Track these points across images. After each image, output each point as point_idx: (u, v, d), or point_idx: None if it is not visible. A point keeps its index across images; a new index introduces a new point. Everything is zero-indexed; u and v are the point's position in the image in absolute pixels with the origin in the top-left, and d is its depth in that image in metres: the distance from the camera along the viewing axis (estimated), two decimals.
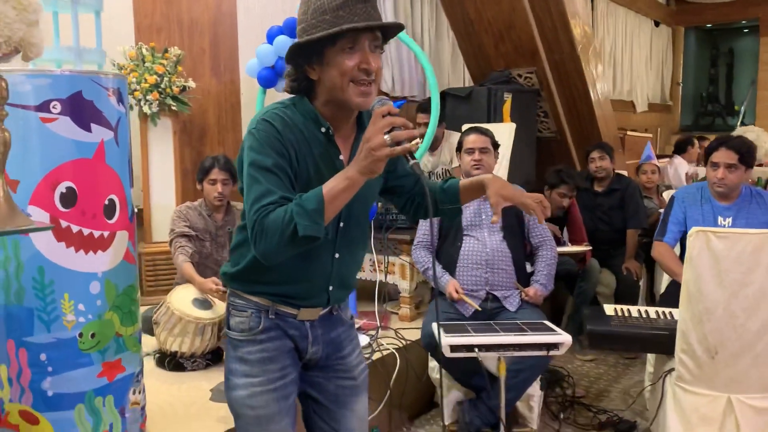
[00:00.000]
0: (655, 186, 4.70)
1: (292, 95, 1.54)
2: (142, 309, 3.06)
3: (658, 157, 8.00)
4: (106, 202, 1.93)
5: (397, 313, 3.53)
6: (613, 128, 5.41)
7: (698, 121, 14.15)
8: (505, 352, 2.27)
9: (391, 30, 1.48)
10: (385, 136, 1.30)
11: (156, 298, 3.37)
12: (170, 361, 2.73)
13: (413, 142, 1.32)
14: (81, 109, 1.84)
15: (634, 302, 3.90)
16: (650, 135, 7.14)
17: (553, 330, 2.36)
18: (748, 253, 2.20)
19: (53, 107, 1.80)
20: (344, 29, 1.36)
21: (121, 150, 1.99)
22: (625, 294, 3.92)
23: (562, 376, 3.40)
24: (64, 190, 1.83)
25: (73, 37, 1.94)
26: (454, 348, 2.26)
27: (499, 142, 3.24)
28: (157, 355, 2.81)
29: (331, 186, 1.36)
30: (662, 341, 2.46)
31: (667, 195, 4.42)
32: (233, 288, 1.61)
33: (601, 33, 9.31)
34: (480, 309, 2.78)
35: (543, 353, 2.28)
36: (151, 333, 2.82)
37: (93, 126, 1.88)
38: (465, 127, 4.33)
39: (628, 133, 6.01)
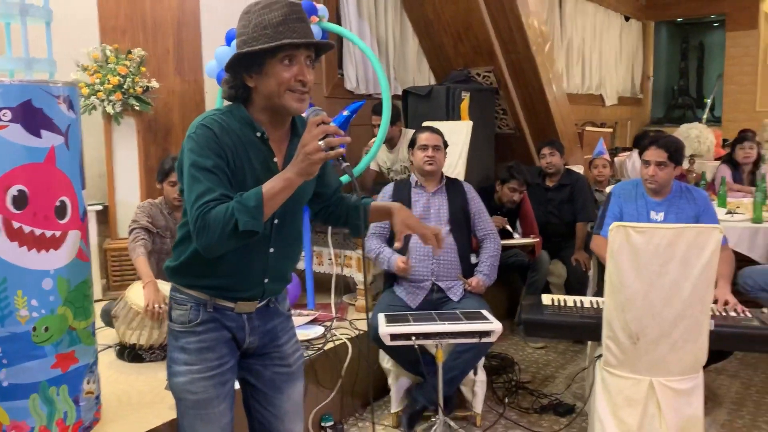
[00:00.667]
0: (606, 180, 4.89)
1: (228, 102, 1.68)
2: (103, 303, 3.20)
3: (625, 150, 8.21)
4: (58, 204, 2.05)
5: (354, 305, 3.67)
6: (570, 124, 5.59)
7: (669, 114, 14.43)
8: (441, 339, 2.43)
9: (323, 48, 1.65)
10: (320, 142, 1.46)
11: (122, 293, 3.48)
12: (129, 353, 2.85)
13: (344, 149, 1.49)
14: (31, 117, 1.95)
15: (583, 291, 4.07)
16: (610, 130, 7.33)
17: (487, 319, 2.52)
18: (664, 246, 2.36)
19: (3, 115, 1.91)
20: (285, 43, 1.52)
21: (72, 154, 2.10)
22: (574, 283, 4.10)
23: (511, 362, 3.57)
24: (15, 193, 1.95)
25: (23, 48, 2.04)
26: (393, 337, 2.42)
27: (452, 141, 3.40)
28: (117, 348, 2.92)
29: (270, 186, 1.50)
30: (591, 329, 2.62)
31: None
32: (174, 282, 1.74)
33: (569, 29, 9.48)
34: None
35: (476, 340, 2.44)
36: (112, 325, 2.94)
37: (43, 132, 1.99)
38: (425, 124, 4.50)
39: (587, 128, 6.19)
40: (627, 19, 11.71)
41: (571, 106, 5.59)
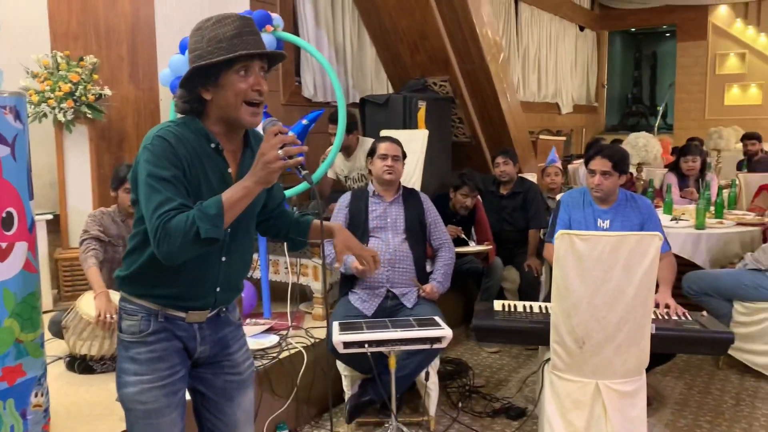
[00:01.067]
0: (558, 187, 5.01)
1: (182, 115, 1.69)
2: (53, 314, 3.15)
3: (579, 157, 8.42)
4: (4, 215, 2.02)
5: (311, 313, 3.69)
6: (524, 132, 5.72)
7: (624, 122, 14.84)
8: (393, 347, 2.47)
9: (276, 58, 1.70)
10: (279, 151, 1.51)
11: (72, 303, 3.43)
12: (80, 364, 2.82)
13: (302, 157, 1.55)
14: None
15: (536, 296, 4.18)
16: (563, 138, 7.52)
17: (439, 325, 2.56)
18: (607, 253, 2.45)
19: None
20: (242, 54, 1.56)
21: (19, 165, 2.07)
22: (527, 289, 4.20)
23: (465, 367, 3.63)
24: None
25: None
26: (346, 345, 2.45)
27: (408, 149, 3.46)
28: (68, 359, 2.88)
29: (229, 194, 1.54)
30: (539, 333, 2.70)
31: None
32: (124, 292, 1.74)
33: (525, 38, 9.70)
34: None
35: (427, 347, 2.49)
36: (62, 337, 2.90)
37: None
38: (382, 132, 4.55)
39: (541, 137, 6.34)
40: (582, 28, 12.01)
41: (527, 114, 5.74)
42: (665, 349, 2.75)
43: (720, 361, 3.78)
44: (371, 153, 3.32)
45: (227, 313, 1.84)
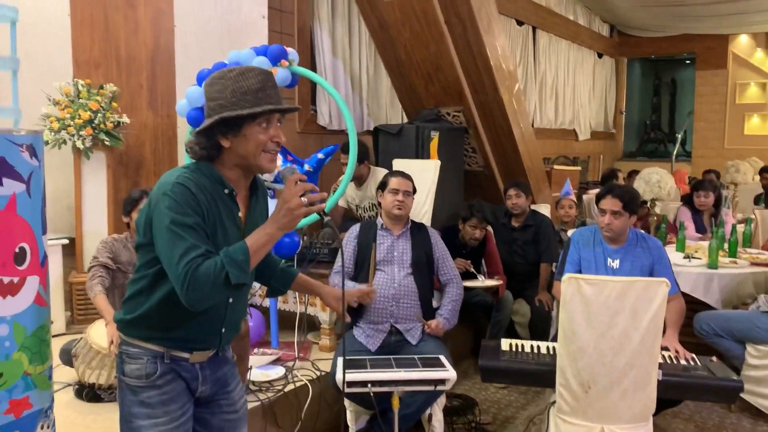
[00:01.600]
0: (572, 219, 5.00)
1: (195, 161, 1.72)
2: (66, 340, 3.19)
3: (595, 184, 8.38)
4: (17, 250, 2.06)
5: (318, 343, 3.70)
6: (538, 163, 5.72)
7: (642, 148, 14.78)
8: (396, 387, 2.47)
9: (290, 111, 1.76)
10: (302, 198, 1.57)
11: (86, 327, 3.47)
12: (88, 393, 2.85)
13: (324, 204, 1.62)
14: None
15: (547, 331, 4.15)
16: (578, 168, 7.48)
17: (444, 366, 2.56)
18: (614, 298, 2.45)
19: None
20: (271, 109, 1.63)
21: (33, 201, 2.12)
22: (537, 323, 4.17)
23: (472, 403, 3.61)
24: None
25: None
26: (350, 384, 2.45)
27: (420, 179, 3.48)
28: (77, 387, 2.91)
29: (254, 240, 1.59)
30: (545, 376, 2.68)
31: None
32: (127, 335, 1.76)
33: (543, 65, 9.72)
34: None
35: (431, 388, 2.48)
36: (71, 365, 2.93)
37: (4, 180, 2.01)
38: (395, 162, 4.59)
39: (555, 167, 6.34)
40: (600, 55, 12.01)
41: (543, 141, 5.75)
42: (672, 395, 2.72)
43: (732, 404, 3.71)
44: (382, 186, 3.34)
45: (225, 352, 1.87)
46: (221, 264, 1.53)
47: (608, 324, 2.47)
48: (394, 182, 3.28)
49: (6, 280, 2.04)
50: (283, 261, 2.04)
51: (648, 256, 3.12)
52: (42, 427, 2.19)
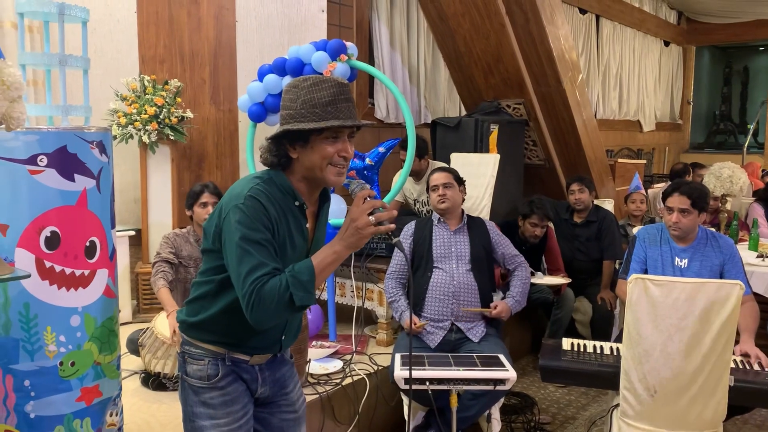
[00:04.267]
0: (642, 214, 4.83)
1: (267, 168, 1.72)
2: (132, 329, 3.30)
3: (661, 178, 8.09)
4: (87, 244, 2.14)
5: (375, 337, 3.70)
6: (601, 156, 5.55)
7: (710, 140, 14.19)
8: (454, 386, 2.44)
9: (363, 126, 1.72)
10: (370, 217, 1.52)
11: (151, 315, 3.59)
12: (154, 381, 2.94)
13: (393, 225, 1.55)
14: (65, 162, 2.05)
15: (609, 330, 4.04)
16: (643, 161, 7.22)
17: (504, 366, 2.52)
18: (683, 301, 2.35)
19: (40, 160, 2.01)
20: (335, 125, 1.58)
21: (103, 196, 2.19)
22: (599, 322, 4.06)
23: (531, 402, 3.55)
24: (48, 234, 2.04)
25: (62, 95, 2.15)
26: (407, 380, 2.44)
27: (479, 173, 3.42)
28: (143, 375, 3.01)
29: (320, 258, 1.56)
30: (608, 378, 2.60)
31: None
32: (190, 336, 1.78)
33: (606, 54, 9.42)
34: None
35: (490, 388, 2.45)
36: (138, 354, 3.03)
37: (76, 176, 2.09)
38: (453, 156, 4.54)
39: (619, 160, 6.13)
40: (667, 44, 11.56)
41: (606, 133, 5.56)
42: (744, 402, 2.60)
43: None
44: (427, 188, 3.34)
45: (283, 354, 1.88)
46: (286, 284, 1.50)
47: (677, 327, 2.37)
48: (433, 179, 3.28)
49: (77, 272, 2.12)
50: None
51: (719, 255, 2.98)
52: (110, 415, 2.28)
